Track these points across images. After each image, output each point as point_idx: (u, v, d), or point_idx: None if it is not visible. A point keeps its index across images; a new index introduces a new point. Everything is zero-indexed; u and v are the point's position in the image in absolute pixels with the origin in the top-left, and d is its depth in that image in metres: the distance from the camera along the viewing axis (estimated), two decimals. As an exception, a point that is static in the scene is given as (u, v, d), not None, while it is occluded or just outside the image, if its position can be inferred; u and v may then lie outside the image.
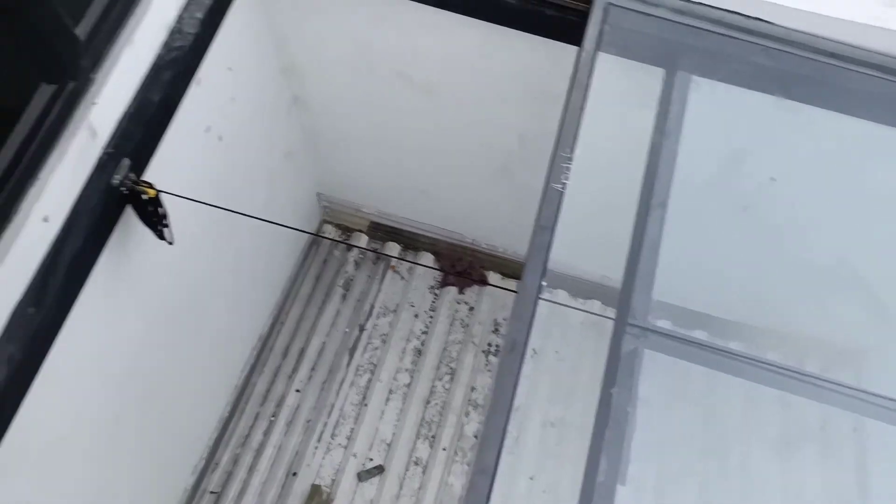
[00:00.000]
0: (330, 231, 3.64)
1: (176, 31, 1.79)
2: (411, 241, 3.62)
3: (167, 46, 1.76)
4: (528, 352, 1.37)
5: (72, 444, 1.80)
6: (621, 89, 1.80)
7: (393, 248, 3.56)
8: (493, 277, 3.56)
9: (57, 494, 1.82)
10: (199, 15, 1.83)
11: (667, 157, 1.61)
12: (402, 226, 3.58)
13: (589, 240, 1.76)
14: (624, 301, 1.46)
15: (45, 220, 1.46)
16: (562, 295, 2.87)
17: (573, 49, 1.79)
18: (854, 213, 1.65)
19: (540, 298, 1.36)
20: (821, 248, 1.62)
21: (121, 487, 2.21)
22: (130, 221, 1.72)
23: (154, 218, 1.71)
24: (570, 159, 1.50)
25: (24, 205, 1.42)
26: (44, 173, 1.45)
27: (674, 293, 1.51)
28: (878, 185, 1.64)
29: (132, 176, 1.63)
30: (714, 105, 1.73)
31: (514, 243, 3.40)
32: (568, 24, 1.85)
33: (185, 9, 1.82)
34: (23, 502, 1.66)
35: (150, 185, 1.65)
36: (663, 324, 1.44)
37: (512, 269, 3.51)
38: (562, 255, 1.47)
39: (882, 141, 1.63)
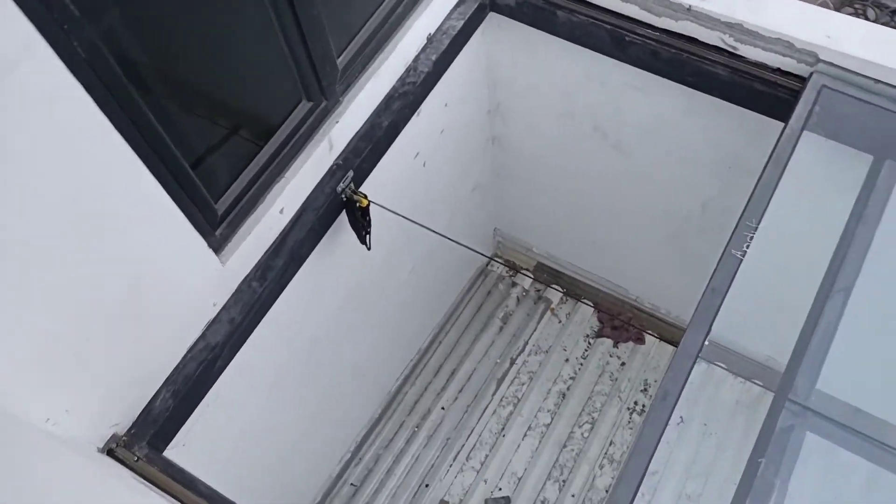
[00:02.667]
0: (499, 266, 3.81)
1: (412, 69, 2.05)
2: (574, 288, 3.69)
3: (402, 80, 2.02)
4: (675, 418, 1.40)
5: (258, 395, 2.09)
6: (821, 170, 1.79)
7: (555, 293, 3.65)
8: (650, 338, 3.53)
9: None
10: (434, 57, 2.08)
11: (859, 243, 1.59)
12: (568, 271, 3.67)
13: (758, 318, 1.75)
14: (788, 377, 1.45)
15: (281, 211, 1.75)
16: (719, 371, 2.79)
17: (777, 125, 1.82)
18: None
19: (699, 359, 1.40)
20: None
21: (284, 451, 2.49)
22: (342, 224, 1.98)
23: (361, 224, 1.96)
24: (754, 229, 1.53)
25: (269, 197, 1.71)
26: (289, 173, 1.74)
27: (839, 386, 1.47)
28: None
29: (352, 186, 1.89)
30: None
31: (676, 308, 3.36)
32: (776, 100, 1.88)
33: (423, 50, 2.08)
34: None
35: (365, 196, 1.90)
36: (823, 395, 1.42)
37: (671, 334, 3.45)
38: (728, 328, 1.50)
39: None
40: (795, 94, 1.79)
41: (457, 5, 2.15)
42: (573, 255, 3.58)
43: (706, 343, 1.47)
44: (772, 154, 1.68)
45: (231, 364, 1.77)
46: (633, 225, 2.94)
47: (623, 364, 3.46)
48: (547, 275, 3.80)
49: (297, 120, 1.73)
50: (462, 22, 2.12)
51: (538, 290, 3.70)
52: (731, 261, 1.53)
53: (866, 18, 4.26)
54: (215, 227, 1.61)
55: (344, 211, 1.95)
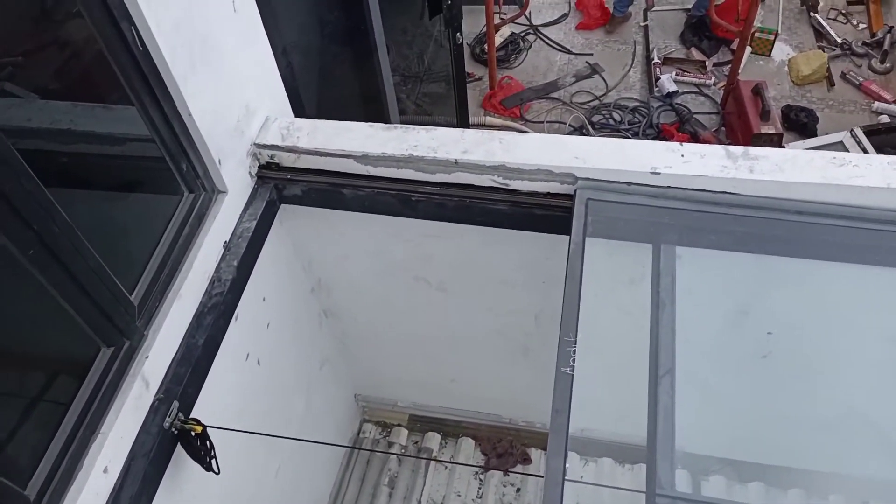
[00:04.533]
0: (370, 429, 3.70)
1: (216, 279, 2.03)
2: (451, 429, 3.66)
3: (208, 294, 1.99)
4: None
5: None
6: (615, 268, 1.97)
7: (433, 438, 3.59)
8: (535, 454, 3.54)
9: None
10: (235, 262, 2.08)
11: (666, 325, 1.74)
12: (440, 414, 3.64)
13: (612, 408, 1.84)
14: (651, 472, 1.51)
15: (105, 471, 1.59)
16: (603, 463, 2.85)
17: (566, 238, 1.99)
18: (854, 355, 1.72)
19: (567, 481, 1.43)
20: (827, 391, 1.68)
21: None
22: (181, 458, 1.84)
23: (202, 451, 1.83)
24: (574, 343, 1.63)
25: (87, 459, 1.56)
26: (104, 427, 1.61)
27: (696, 443, 1.56)
28: (868, 324, 1.73)
29: (181, 416, 1.78)
30: (701, 271, 1.88)
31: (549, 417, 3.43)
32: (557, 219, 2.07)
33: (223, 258, 2.08)
34: None
35: (198, 422, 1.79)
36: (684, 475, 1.49)
37: (554, 444, 3.49)
38: (590, 422, 1.55)
39: (862, 280, 1.74)
40: (569, 211, 1.99)
41: (245, 208, 2.20)
42: (440, 398, 3.58)
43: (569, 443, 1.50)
44: (567, 268, 1.83)
45: None
46: (481, 353, 3.02)
47: (518, 490, 3.42)
48: (422, 424, 3.74)
49: (100, 370, 1.62)
50: (255, 222, 2.16)
51: (416, 442, 3.62)
52: (565, 378, 1.60)
53: (613, 120, 4.93)
54: (28, 516, 1.43)
55: (179, 445, 1.82)
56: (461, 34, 3.50)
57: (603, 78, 5.25)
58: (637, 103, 5.04)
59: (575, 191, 2.00)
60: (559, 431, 1.50)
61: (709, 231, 1.91)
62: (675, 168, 1.93)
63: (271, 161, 2.26)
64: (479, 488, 3.44)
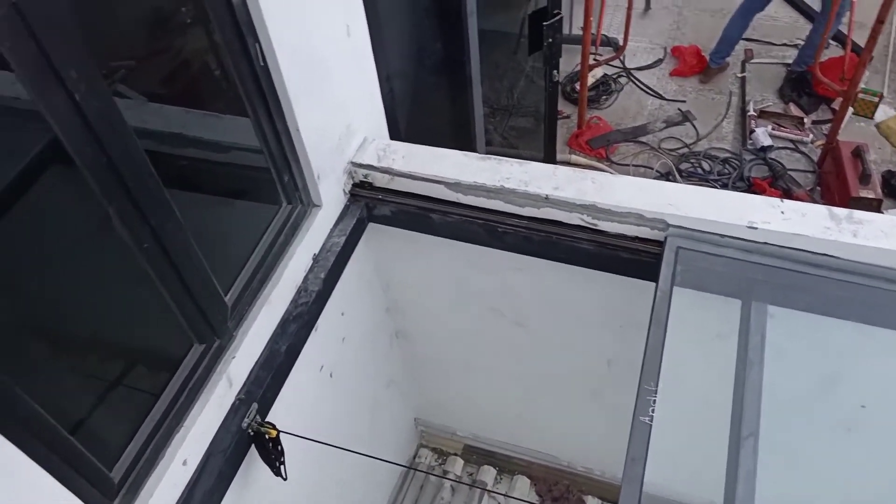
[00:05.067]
0: (426, 455, 3.69)
1: (302, 290, 2.09)
2: (507, 464, 3.61)
3: (294, 302, 2.05)
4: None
5: None
6: (701, 320, 1.91)
7: (488, 472, 3.56)
8: (591, 501, 3.44)
9: None
10: (322, 275, 2.14)
11: (752, 385, 1.68)
12: (497, 449, 3.60)
13: (688, 466, 1.78)
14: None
15: (185, 463, 1.65)
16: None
17: (650, 284, 1.96)
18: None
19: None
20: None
21: None
22: (253, 460, 1.89)
23: (273, 456, 1.88)
24: (654, 392, 1.60)
25: (169, 450, 1.63)
26: (188, 421, 1.68)
27: None
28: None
29: (258, 419, 1.83)
30: (793, 333, 1.81)
31: (610, 466, 3.34)
32: (643, 264, 2.04)
33: (311, 270, 2.15)
34: None
35: (273, 426, 1.84)
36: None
37: (611, 493, 3.39)
38: (663, 482, 1.51)
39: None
40: (657, 257, 1.96)
41: (336, 223, 2.26)
42: (500, 432, 3.54)
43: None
44: (651, 316, 1.80)
45: None
46: (549, 392, 2.98)
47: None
48: (478, 456, 3.71)
49: (190, 365, 1.70)
50: (344, 238, 2.23)
51: (471, 474, 3.58)
52: (643, 427, 1.57)
53: (702, 169, 4.83)
54: (112, 497, 1.50)
55: (253, 446, 1.87)
56: (558, 72, 3.52)
57: (694, 126, 5.17)
58: (728, 154, 4.93)
59: (665, 238, 1.97)
60: (634, 481, 1.47)
61: (805, 292, 1.85)
62: (773, 224, 1.88)
63: (365, 180, 2.33)
64: (531, 529, 3.37)
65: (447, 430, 3.66)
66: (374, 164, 2.29)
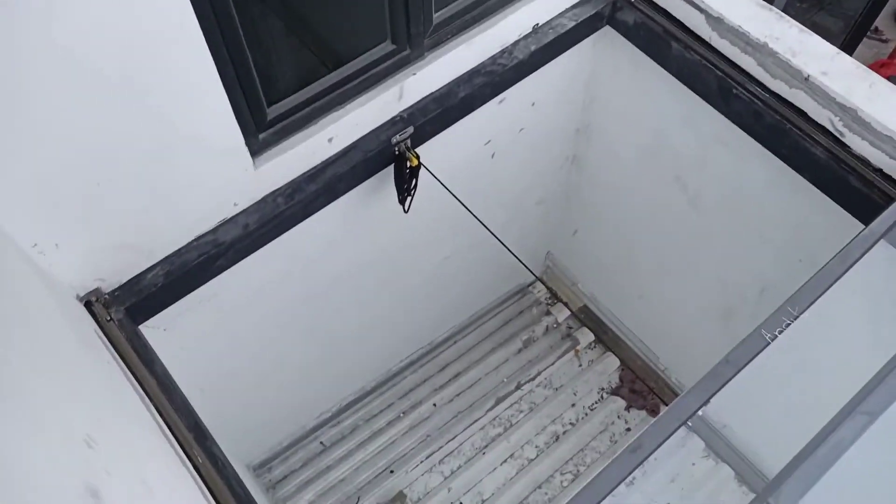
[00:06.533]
0: (541, 290, 3.70)
1: (507, 51, 1.99)
2: (607, 338, 3.55)
3: (493, 59, 1.97)
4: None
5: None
6: (887, 286, 1.63)
7: (586, 335, 3.52)
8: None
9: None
10: (533, 47, 2.02)
11: (893, 382, 1.43)
12: (607, 319, 3.53)
13: (760, 410, 1.62)
14: (777, 481, 1.32)
15: (330, 140, 1.73)
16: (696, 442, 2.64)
17: (858, 225, 1.68)
18: None
19: (687, 425, 1.29)
20: None
21: (267, 383, 2.48)
22: (387, 178, 1.95)
23: (405, 184, 1.92)
24: (794, 316, 1.41)
25: (323, 121, 1.70)
26: (350, 106, 1.72)
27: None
28: None
29: (408, 143, 1.85)
30: None
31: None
32: (868, 201, 1.73)
33: (525, 37, 2.03)
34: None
35: (417, 156, 1.86)
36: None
37: (689, 419, 3.27)
38: (724, 407, 1.39)
39: None
40: (889, 200, 1.64)
41: (574, 6, 2.08)
42: (616, 304, 3.44)
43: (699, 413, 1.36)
44: (842, 250, 1.54)
45: (234, 269, 1.76)
46: (685, 289, 2.79)
47: (628, 430, 3.30)
48: (585, 316, 3.67)
49: (375, 57, 1.71)
50: (574, 23, 2.06)
51: (570, 328, 3.57)
52: (758, 339, 1.41)
53: None
54: (261, 129, 1.61)
55: (393, 165, 1.92)
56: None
57: None
58: None
59: (914, 183, 1.63)
60: (714, 378, 1.34)
61: None
62: None
63: (625, -23, 2.09)
64: (596, 402, 3.37)
65: (570, 278, 3.61)
66: (647, -40, 2.03)
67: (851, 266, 1.52)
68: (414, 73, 1.79)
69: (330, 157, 1.76)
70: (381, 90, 1.76)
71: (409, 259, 2.59)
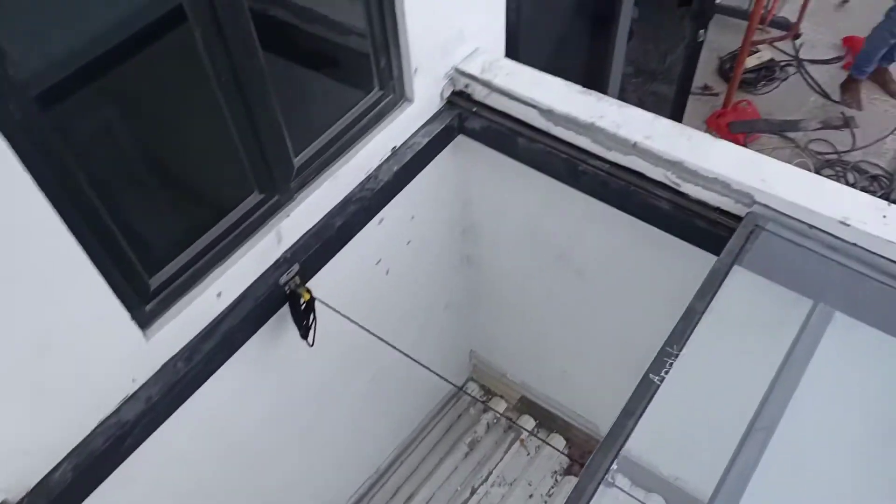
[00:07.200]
0: (473, 388, 3.74)
1: (373, 176, 2.14)
2: (547, 420, 3.59)
3: (361, 186, 2.11)
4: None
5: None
6: (753, 307, 1.79)
7: (528, 422, 3.55)
8: (621, 480, 3.36)
9: None
10: (395, 168, 2.18)
11: (787, 383, 1.56)
12: (543, 402, 3.58)
13: (674, 441, 1.70)
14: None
15: (219, 295, 1.78)
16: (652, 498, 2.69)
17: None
18: None
19: (604, 483, 1.35)
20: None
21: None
22: (286, 319, 2.00)
23: (304, 320, 1.98)
24: (674, 356, 1.52)
25: (208, 279, 1.75)
26: (231, 259, 1.79)
27: None
28: None
29: (297, 280, 1.92)
30: (854, 346, 1.65)
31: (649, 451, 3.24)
32: (717, 237, 1.91)
33: (386, 160, 2.19)
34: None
35: (308, 290, 1.93)
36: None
37: (644, 478, 3.30)
38: (643, 447, 1.47)
39: None
40: (732, 231, 1.83)
41: (425, 124, 2.28)
42: (546, 385, 3.51)
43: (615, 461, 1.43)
44: (702, 284, 1.70)
45: (146, 444, 1.73)
46: (597, 355, 2.91)
47: (589, 505, 3.28)
48: (522, 404, 3.72)
49: (246, 209, 1.80)
50: (428, 139, 2.24)
51: (510, 419, 3.60)
52: (648, 384, 1.51)
53: (846, 181, 4.39)
54: (146, 300, 1.64)
55: (288, 305, 1.97)
56: (705, 32, 3.29)
57: (853, 133, 4.68)
58: (880, 172, 4.44)
59: (746, 213, 1.83)
60: (617, 433, 1.42)
61: (883, 308, 1.67)
62: (869, 226, 1.69)
63: (465, 90, 2.32)
64: (552, 487, 3.36)
65: (498, 371, 3.68)
66: (476, 74, 2.27)
67: (714, 295, 1.67)
68: (288, 216, 1.89)
69: (222, 312, 1.80)
70: (259, 237, 1.84)
71: (332, 391, 2.60)
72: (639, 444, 1.42)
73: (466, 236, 2.91)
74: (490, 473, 3.37)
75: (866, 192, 4.28)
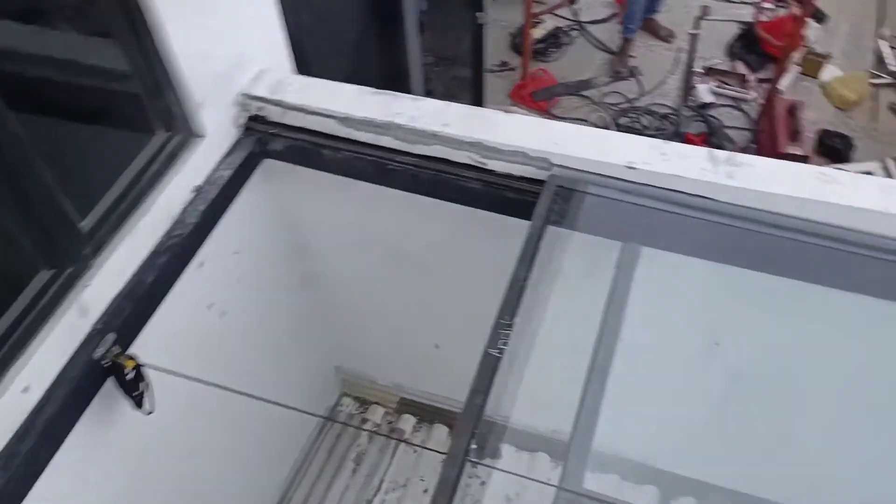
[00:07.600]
0: (348, 403, 3.69)
1: (179, 222, 2.02)
2: (427, 413, 3.62)
3: (168, 235, 1.98)
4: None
5: None
6: (573, 260, 1.90)
7: (408, 420, 3.56)
8: (507, 448, 3.47)
9: None
10: (202, 208, 2.07)
11: (611, 324, 1.66)
12: (416, 397, 3.61)
13: (538, 399, 1.78)
14: (565, 468, 1.45)
15: (25, 390, 1.60)
16: (538, 456, 2.85)
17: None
18: (801, 381, 1.63)
19: (468, 461, 1.38)
20: (763, 412, 1.59)
21: None
22: (112, 392, 1.85)
23: (134, 390, 1.83)
24: (509, 326, 1.58)
25: (8, 377, 1.57)
26: (31, 348, 1.62)
27: (624, 447, 1.50)
28: (826, 351, 1.63)
29: (115, 350, 1.77)
30: (663, 274, 1.80)
31: (526, 415, 3.37)
32: (529, 205, 2.00)
33: (191, 203, 2.07)
34: None
35: (132, 358, 1.79)
36: (611, 477, 1.43)
37: (527, 440, 3.43)
38: (512, 410, 1.53)
39: (831, 304, 1.64)
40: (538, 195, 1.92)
41: (225, 157, 2.19)
42: (418, 381, 3.54)
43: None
44: (521, 250, 1.77)
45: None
46: (457, 339, 2.92)
47: (483, 483, 3.35)
48: (400, 405, 3.72)
49: (36, 290, 1.63)
50: (231, 171, 2.15)
51: (390, 422, 3.59)
52: (490, 360, 1.56)
53: (641, 124, 4.80)
54: (-61, 421, 1.45)
55: (113, 378, 1.82)
56: (482, 13, 3.43)
57: (640, 81, 5.11)
58: (668, 110, 4.90)
59: (548, 176, 1.93)
60: (471, 412, 1.45)
61: (679, 235, 1.83)
62: (652, 165, 1.85)
63: (259, 114, 2.25)
64: (445, 476, 3.39)
65: (368, 378, 3.65)
66: (266, 96, 2.21)
67: (534, 259, 1.75)
68: (87, 285, 1.74)
69: (34, 406, 1.63)
70: (59, 317, 1.67)
71: (198, 450, 2.45)
72: (520, 411, 1.46)
73: (301, 257, 2.85)
74: (382, 482, 3.35)
75: (660, 130, 4.72)
